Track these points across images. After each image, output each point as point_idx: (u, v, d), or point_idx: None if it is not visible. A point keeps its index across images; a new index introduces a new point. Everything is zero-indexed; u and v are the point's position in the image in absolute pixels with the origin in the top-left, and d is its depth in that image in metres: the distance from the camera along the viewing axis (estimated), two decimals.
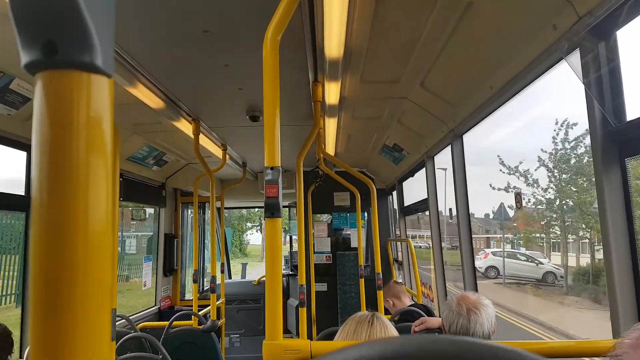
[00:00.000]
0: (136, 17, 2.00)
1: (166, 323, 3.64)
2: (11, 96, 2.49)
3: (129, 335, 2.82)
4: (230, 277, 7.62)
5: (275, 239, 1.32)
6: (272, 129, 1.33)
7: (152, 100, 2.88)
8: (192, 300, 4.44)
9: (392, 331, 1.55)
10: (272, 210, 1.32)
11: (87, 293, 0.31)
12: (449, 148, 3.04)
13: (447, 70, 2.45)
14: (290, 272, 6.42)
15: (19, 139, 2.82)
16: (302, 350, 1.27)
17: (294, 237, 6.92)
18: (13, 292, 11.14)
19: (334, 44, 2.18)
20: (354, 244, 5.92)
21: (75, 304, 0.31)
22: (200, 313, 3.96)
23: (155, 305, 5.24)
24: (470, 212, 2.92)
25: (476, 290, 2.82)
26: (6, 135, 2.70)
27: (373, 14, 1.99)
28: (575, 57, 1.62)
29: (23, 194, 3.05)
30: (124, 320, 3.75)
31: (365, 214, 5.88)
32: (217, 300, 4.31)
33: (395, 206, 5.70)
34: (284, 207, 8.92)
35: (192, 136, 3.58)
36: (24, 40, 0.34)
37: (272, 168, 1.33)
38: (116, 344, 2.42)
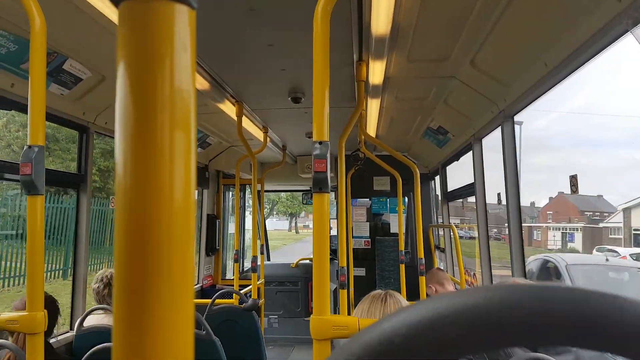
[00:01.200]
0: None
1: (208, 301, 3.72)
2: (64, 76, 2.57)
3: None
4: (269, 259, 7.74)
5: (323, 215, 1.30)
6: (321, 103, 1.30)
7: (198, 82, 2.91)
8: (232, 279, 4.52)
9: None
10: (320, 185, 1.30)
11: (172, 266, 0.29)
12: (498, 130, 2.92)
13: (499, 47, 2.34)
14: (330, 256, 6.44)
15: (71, 119, 2.91)
16: (349, 327, 1.25)
17: (332, 220, 6.92)
18: (60, 267, 11.83)
19: (381, 20, 2.12)
20: (393, 229, 5.85)
21: (160, 279, 0.29)
22: (241, 292, 4.03)
23: (197, 283, 5.38)
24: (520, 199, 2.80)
25: None
26: (59, 114, 2.79)
27: None
28: None
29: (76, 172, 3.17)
30: None
31: (406, 199, 5.78)
32: (257, 280, 4.37)
33: (437, 191, 5.59)
34: None
35: (235, 118, 3.60)
36: None
37: (320, 142, 1.31)
38: None
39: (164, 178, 0.29)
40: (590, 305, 0.24)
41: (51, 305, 2.39)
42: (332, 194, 7.24)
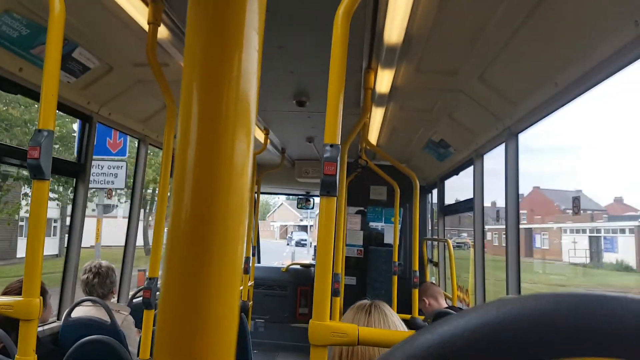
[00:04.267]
0: None
1: None
2: (72, 64, 2.55)
3: None
4: (259, 262, 7.69)
5: (330, 218, 1.29)
6: (335, 106, 1.30)
7: None
8: None
9: (394, 321, 1.49)
10: (328, 188, 1.29)
11: (224, 252, 0.29)
12: (500, 147, 2.93)
13: (510, 64, 2.34)
14: None
15: (76, 107, 2.89)
16: (349, 334, 1.23)
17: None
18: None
19: (395, 28, 2.12)
20: (387, 240, 5.84)
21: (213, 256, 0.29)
22: None
23: None
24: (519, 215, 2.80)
25: None
26: (64, 102, 2.77)
27: None
28: None
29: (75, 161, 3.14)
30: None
31: (401, 210, 5.78)
32: (248, 282, 4.33)
33: (433, 205, 5.59)
34: (317, 196, 8.86)
35: None
36: None
37: (331, 145, 1.30)
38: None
39: (222, 169, 0.29)
40: None
41: (42, 291, 2.38)
42: None
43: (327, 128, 1.31)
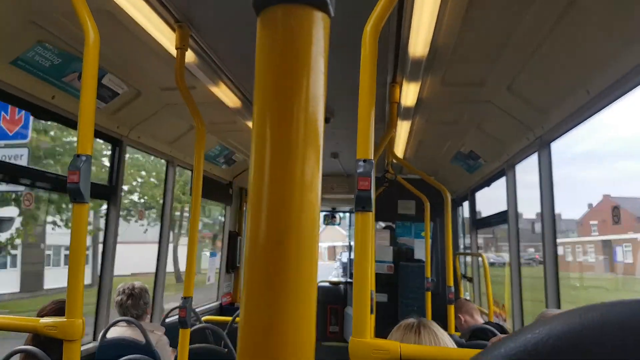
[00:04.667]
0: (219, 14, 2.04)
1: (229, 318, 3.68)
2: (102, 90, 2.62)
3: (198, 325, 2.87)
4: None
5: (366, 233, 1.27)
6: (366, 121, 1.29)
7: (230, 99, 2.94)
8: None
9: (444, 340, 1.45)
10: (363, 204, 1.27)
11: (300, 265, 0.32)
12: (533, 157, 2.85)
13: (539, 73, 2.29)
14: (349, 280, 6.34)
15: (106, 132, 2.96)
16: (390, 351, 1.20)
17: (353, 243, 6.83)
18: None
19: (420, 42, 2.11)
20: (418, 255, 5.74)
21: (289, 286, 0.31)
22: None
23: (217, 300, 5.34)
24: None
25: None
26: (96, 127, 2.84)
27: (465, 9, 1.90)
28: None
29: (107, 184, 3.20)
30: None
31: (432, 224, 5.69)
32: None
33: (464, 218, 5.48)
34: (345, 212, 8.85)
35: None
36: None
37: (364, 160, 1.28)
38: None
39: (296, 173, 0.28)
40: None
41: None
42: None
43: (359, 143, 1.30)
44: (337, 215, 8.40)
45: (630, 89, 1.90)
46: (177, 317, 2.53)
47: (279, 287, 0.28)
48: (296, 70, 0.30)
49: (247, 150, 4.74)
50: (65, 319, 1.30)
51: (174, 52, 2.09)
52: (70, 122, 2.65)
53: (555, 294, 2.65)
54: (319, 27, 0.31)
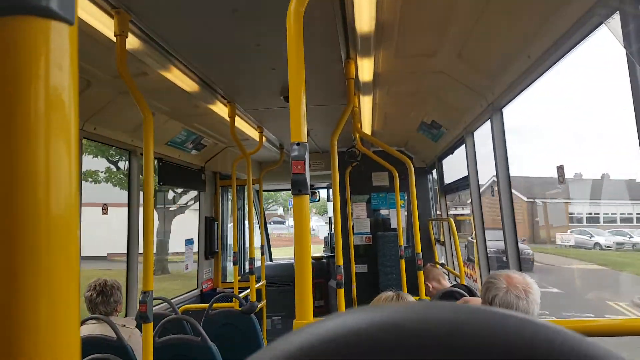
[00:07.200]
0: (166, 0, 2.00)
1: (207, 305, 3.72)
2: None
3: (168, 317, 2.89)
4: (271, 259, 7.72)
5: (303, 216, 1.30)
6: (298, 103, 1.29)
7: (186, 84, 2.91)
8: (233, 282, 4.53)
9: None
10: (299, 187, 1.29)
11: (50, 285, 0.30)
12: (488, 123, 2.91)
13: (484, 40, 2.33)
14: (331, 254, 6.43)
15: None
16: None
17: (332, 218, 6.90)
18: None
19: (364, 18, 2.11)
20: (394, 224, 5.84)
21: (37, 303, 0.29)
22: (240, 295, 4.03)
23: (197, 287, 5.38)
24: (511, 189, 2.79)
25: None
26: None
27: None
28: (615, 21, 1.49)
29: None
30: (165, 303, 3.86)
31: (405, 193, 5.78)
32: (258, 282, 4.37)
33: (436, 185, 5.58)
34: (322, 188, 8.84)
35: (228, 119, 3.60)
36: None
37: (298, 144, 1.30)
38: (155, 326, 2.47)
39: (37, 190, 0.29)
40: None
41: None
42: (331, 192, 7.24)
43: (292, 127, 1.31)
44: (316, 192, 8.44)
45: (566, 52, 1.94)
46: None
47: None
48: (29, 86, 0.30)
49: (215, 134, 4.71)
50: None
51: (115, 39, 2.04)
52: None
53: (516, 258, 2.75)
54: (57, 37, 0.30)
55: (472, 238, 3.83)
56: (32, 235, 0.29)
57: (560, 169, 2.25)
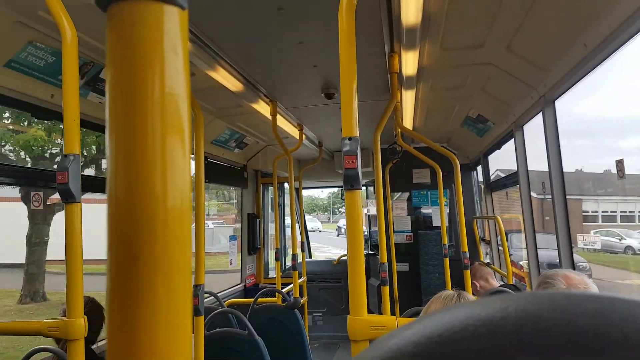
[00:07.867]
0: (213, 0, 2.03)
1: (251, 300, 3.77)
2: (101, 84, 2.65)
3: (217, 311, 2.94)
4: (310, 256, 7.75)
5: (356, 211, 1.28)
6: (349, 98, 1.28)
7: (231, 83, 2.94)
8: (275, 278, 4.56)
9: None
10: (351, 182, 1.28)
11: (168, 275, 0.29)
12: (539, 116, 2.79)
13: (535, 31, 2.23)
14: (370, 252, 6.38)
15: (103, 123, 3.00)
16: (388, 326, 1.22)
17: (372, 216, 6.85)
18: None
19: (411, 10, 2.07)
20: (435, 222, 5.73)
21: (156, 292, 0.29)
22: (283, 290, 4.06)
23: (240, 282, 5.46)
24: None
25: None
26: (100, 122, 2.89)
27: None
28: None
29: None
30: (212, 297, 3.94)
31: (447, 191, 5.65)
32: (299, 278, 4.38)
33: (481, 182, 5.43)
34: (363, 186, 8.83)
35: (270, 117, 3.63)
36: None
37: (350, 138, 1.28)
38: (205, 319, 2.52)
39: (155, 182, 0.28)
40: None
41: (97, 310, 2.37)
42: (371, 189, 7.18)
43: (343, 121, 1.30)
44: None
45: (627, 39, 1.83)
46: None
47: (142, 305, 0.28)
48: (147, 70, 0.29)
49: (257, 132, 4.76)
50: (66, 319, 1.33)
51: None
52: None
53: (569, 255, 2.63)
54: (171, 22, 0.30)
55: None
56: (150, 224, 0.29)
57: (619, 163, 2.12)
